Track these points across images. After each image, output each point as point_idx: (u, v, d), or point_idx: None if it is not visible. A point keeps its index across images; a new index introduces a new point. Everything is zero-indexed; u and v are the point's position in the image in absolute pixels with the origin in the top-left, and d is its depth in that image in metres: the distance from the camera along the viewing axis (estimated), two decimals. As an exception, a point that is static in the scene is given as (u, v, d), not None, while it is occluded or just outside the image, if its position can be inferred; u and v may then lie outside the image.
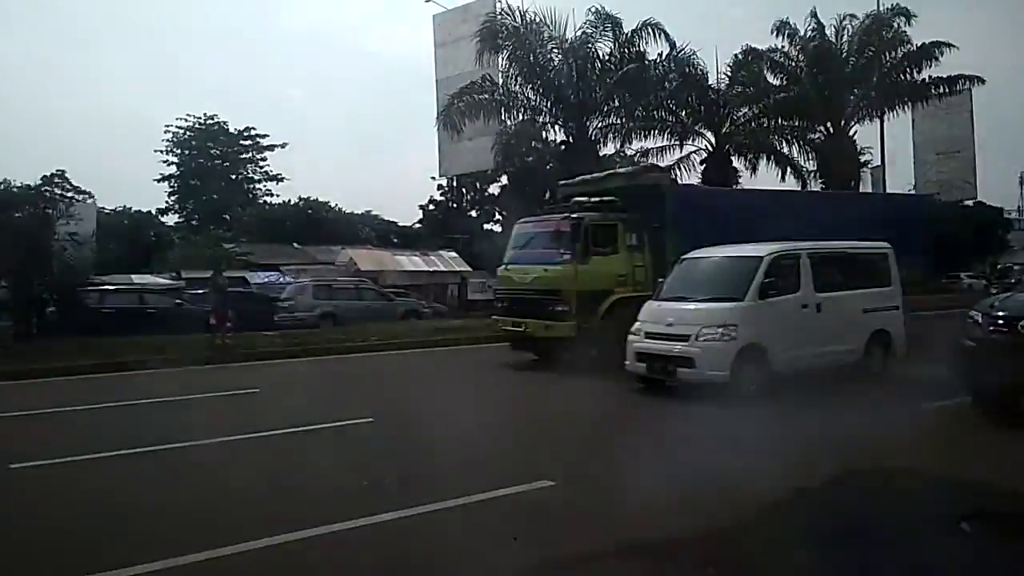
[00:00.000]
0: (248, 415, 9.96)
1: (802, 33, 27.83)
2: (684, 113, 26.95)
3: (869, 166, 30.01)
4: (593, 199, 14.14)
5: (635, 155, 26.69)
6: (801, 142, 27.49)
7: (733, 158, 27.45)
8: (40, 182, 19.39)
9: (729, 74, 27.45)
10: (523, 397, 11.70)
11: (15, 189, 18.95)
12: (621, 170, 15.93)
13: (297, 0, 76.73)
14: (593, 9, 24.59)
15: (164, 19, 70.28)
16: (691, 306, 10.56)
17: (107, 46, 69.45)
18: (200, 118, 53.20)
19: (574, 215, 13.61)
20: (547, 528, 5.46)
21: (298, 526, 5.34)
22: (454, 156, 31.45)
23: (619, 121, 25.52)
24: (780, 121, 27.55)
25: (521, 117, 25.42)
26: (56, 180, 35.13)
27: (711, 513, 5.49)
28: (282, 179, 55.49)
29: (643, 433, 8.57)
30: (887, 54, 27.63)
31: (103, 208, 40.83)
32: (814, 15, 27.71)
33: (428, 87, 32.01)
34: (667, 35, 24.74)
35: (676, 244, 12.63)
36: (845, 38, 27.98)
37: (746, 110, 27.66)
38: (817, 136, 27.93)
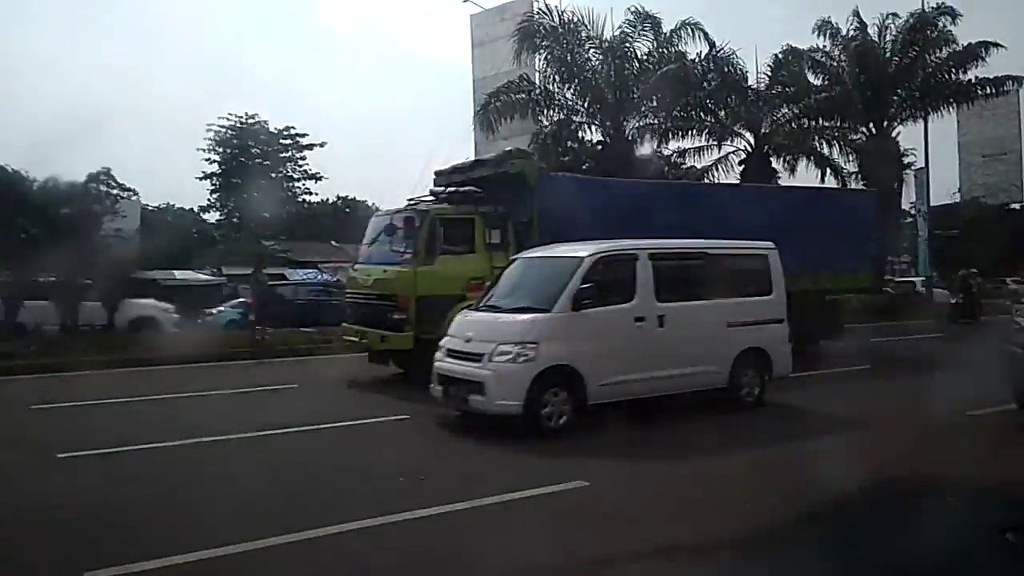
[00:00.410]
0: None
1: (844, 32, 27.43)
2: (723, 113, 26.70)
3: (913, 168, 29.43)
4: (450, 190, 12.85)
5: (672, 155, 26.54)
6: (842, 143, 26.99)
7: (772, 159, 27.11)
8: (86, 179, 19.79)
9: (769, 74, 27.14)
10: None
11: (63, 186, 19.42)
12: (487, 156, 13.96)
13: (336, 1, 77.57)
14: (632, 9, 24.49)
15: (206, 20, 71.49)
16: (495, 318, 8.84)
17: (152, 46, 70.95)
18: (241, 117, 53.94)
19: (421, 207, 12.25)
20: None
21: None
22: (490, 154, 31.46)
23: (657, 121, 25.35)
24: (821, 121, 27.13)
25: (557, 117, 25.39)
26: (102, 178, 36.03)
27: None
28: (321, 178, 56.01)
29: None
30: (931, 54, 27.13)
31: (147, 205, 41.72)
32: (856, 14, 27.31)
33: (465, 86, 32.04)
34: (706, 35, 24.51)
35: (545, 242, 10.65)
36: (888, 37, 27.51)
37: (786, 110, 27.30)
38: (859, 137, 27.48)
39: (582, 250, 9.06)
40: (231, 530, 5.37)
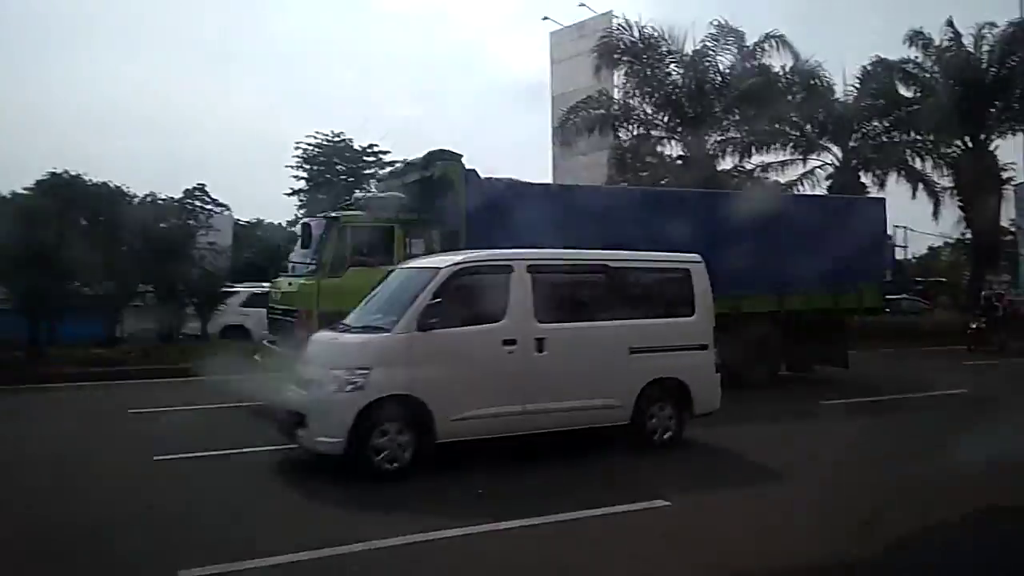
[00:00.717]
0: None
1: (937, 43, 26.39)
2: (809, 126, 26.11)
3: (1012, 183, 27.97)
4: (369, 195, 12.06)
5: (754, 169, 26.09)
6: (935, 157, 25.99)
7: (860, 173, 26.32)
8: (182, 195, 20.85)
9: (857, 86, 26.42)
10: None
11: (160, 201, 20.45)
12: (416, 159, 12.49)
13: (416, 23, 79.42)
14: (715, 22, 24.32)
15: (295, 43, 74.21)
16: (336, 338, 7.63)
17: (243, 67, 74.07)
18: (327, 135, 55.63)
19: (332, 215, 11.38)
20: None
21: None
22: (568, 171, 31.62)
23: (739, 135, 25.01)
24: (912, 135, 26.21)
25: (636, 132, 25.32)
26: (197, 193, 37.96)
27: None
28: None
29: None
30: (1032, 64, 25.77)
31: (238, 220, 43.40)
32: (950, 24, 26.20)
33: (542, 103, 32.30)
34: (791, 47, 24.17)
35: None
36: (985, 47, 26.30)
37: (875, 123, 26.50)
38: (953, 151, 26.34)
39: (445, 260, 7.87)
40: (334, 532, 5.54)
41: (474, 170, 11.63)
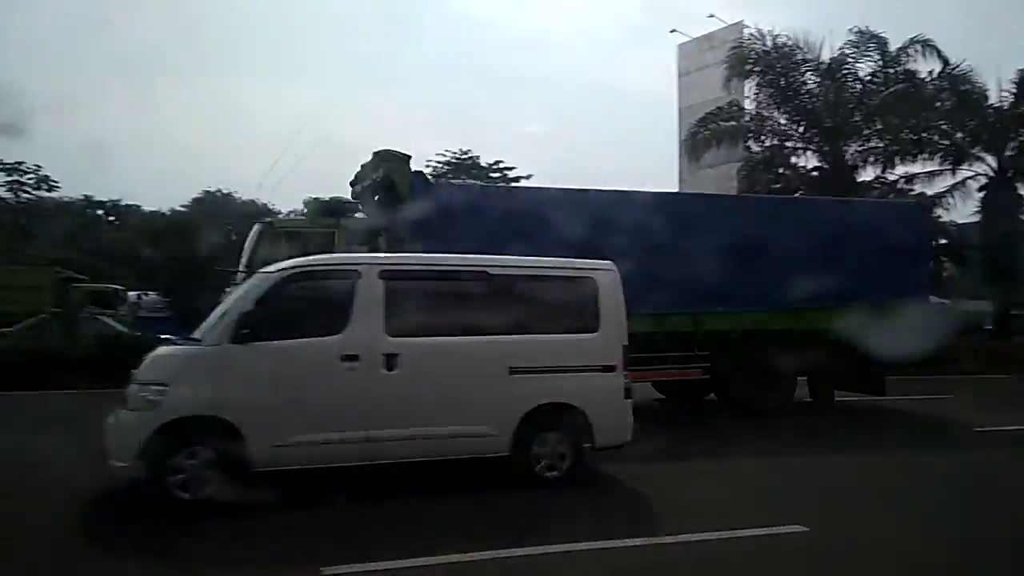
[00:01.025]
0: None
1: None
2: (959, 135, 24.46)
3: None
4: (314, 197, 11.63)
5: (898, 181, 24.67)
6: (1108, 167, 23.74)
7: (1018, 184, 24.38)
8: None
9: (1014, 91, 24.51)
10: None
11: (302, 218, 21.58)
12: (367, 161, 11.56)
13: (539, 42, 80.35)
14: (855, 29, 23.32)
15: (425, 67, 76.79)
16: (159, 352, 6.70)
17: (378, 90, 77.34)
18: (456, 152, 57.17)
19: (266, 220, 10.77)
20: None
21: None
22: (695, 184, 31.00)
23: (881, 145, 23.76)
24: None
25: (770, 143, 24.56)
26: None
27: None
28: (527, 208, 57.95)
29: None
30: None
31: (369, 233, 45.28)
32: None
33: (667, 116, 31.90)
34: (939, 51, 22.86)
35: None
36: None
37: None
38: None
39: (280, 266, 6.98)
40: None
41: (420, 172, 10.66)
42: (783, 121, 24.27)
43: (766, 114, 24.45)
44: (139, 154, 60.88)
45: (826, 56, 23.58)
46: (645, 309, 9.57)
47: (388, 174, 10.63)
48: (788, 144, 24.60)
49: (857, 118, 23.22)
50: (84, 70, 61.86)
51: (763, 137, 24.62)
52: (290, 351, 6.41)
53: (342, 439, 6.34)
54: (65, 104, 58.86)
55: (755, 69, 24.13)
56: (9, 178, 32.55)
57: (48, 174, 32.25)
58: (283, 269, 6.78)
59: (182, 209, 19.48)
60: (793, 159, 24.97)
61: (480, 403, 6.84)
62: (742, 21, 29.76)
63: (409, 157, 10.69)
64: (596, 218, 10.17)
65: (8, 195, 32.51)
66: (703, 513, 6.35)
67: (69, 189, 33.86)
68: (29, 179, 32.54)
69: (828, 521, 6.12)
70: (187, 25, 70.37)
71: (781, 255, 11.25)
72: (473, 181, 11.26)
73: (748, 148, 25.02)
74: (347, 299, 6.59)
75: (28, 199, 32.21)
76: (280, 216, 11.62)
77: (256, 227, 11.14)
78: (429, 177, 10.74)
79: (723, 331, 11.18)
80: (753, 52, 24.13)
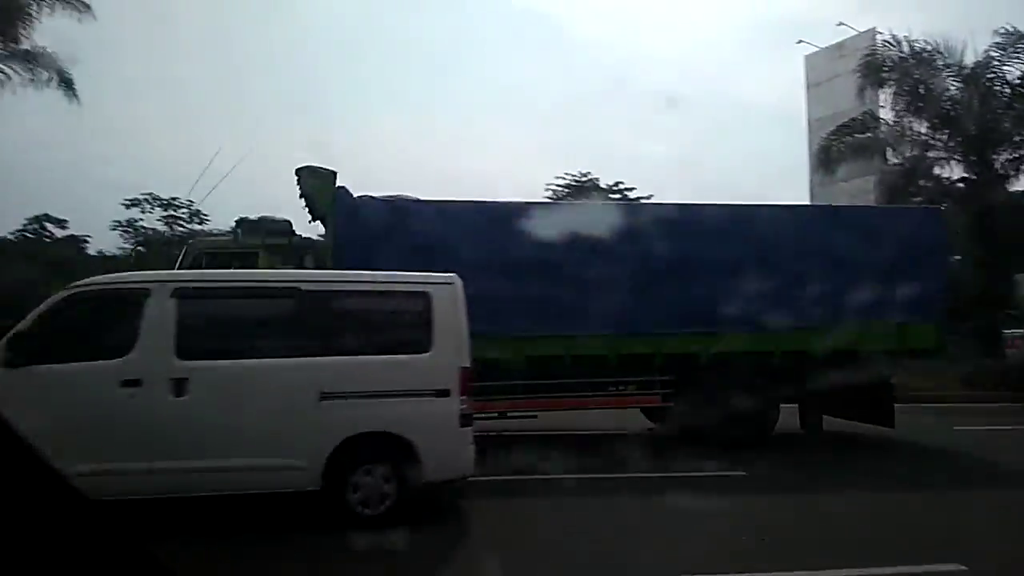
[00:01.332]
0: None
1: None
2: None
3: None
4: (241, 217, 10.97)
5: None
6: None
7: None
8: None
9: None
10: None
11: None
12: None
13: (652, 60, 79.72)
14: (1002, 30, 21.94)
15: (542, 94, 77.86)
16: None
17: (496, 118, 79.03)
18: (575, 175, 57.53)
19: (190, 240, 10.44)
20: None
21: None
22: (828, 197, 29.94)
23: (1036, 152, 22.21)
24: None
25: (909, 153, 23.42)
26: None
27: None
28: (648, 228, 57.52)
29: None
30: None
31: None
32: None
33: (794, 129, 30.99)
34: (1103, 48, 21.13)
35: None
36: None
37: None
38: None
39: (74, 284, 6.53)
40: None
41: (344, 187, 10.25)
42: (923, 130, 23.10)
43: (904, 123, 23.37)
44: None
45: (969, 60, 22.34)
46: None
47: (309, 190, 10.32)
48: (930, 154, 23.38)
49: (1007, 124, 21.82)
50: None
51: (901, 148, 23.52)
52: (65, 376, 6.06)
53: (122, 471, 5.84)
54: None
55: (891, 77, 23.07)
56: (165, 213, 35.18)
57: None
58: (68, 288, 6.42)
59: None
60: (936, 170, 23.73)
61: (285, 432, 6.28)
62: (874, 28, 28.69)
63: (334, 173, 10.29)
64: (548, 230, 9.60)
65: (164, 228, 35.04)
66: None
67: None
68: (182, 213, 35.07)
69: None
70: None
71: (735, 268, 10.21)
72: (407, 195, 10.26)
73: (885, 160, 23.95)
74: (135, 320, 6.25)
75: (181, 232, 34.66)
76: (204, 236, 11.32)
77: (184, 247, 11.34)
78: (352, 193, 10.24)
79: (685, 355, 10.46)
80: (888, 59, 23.12)
